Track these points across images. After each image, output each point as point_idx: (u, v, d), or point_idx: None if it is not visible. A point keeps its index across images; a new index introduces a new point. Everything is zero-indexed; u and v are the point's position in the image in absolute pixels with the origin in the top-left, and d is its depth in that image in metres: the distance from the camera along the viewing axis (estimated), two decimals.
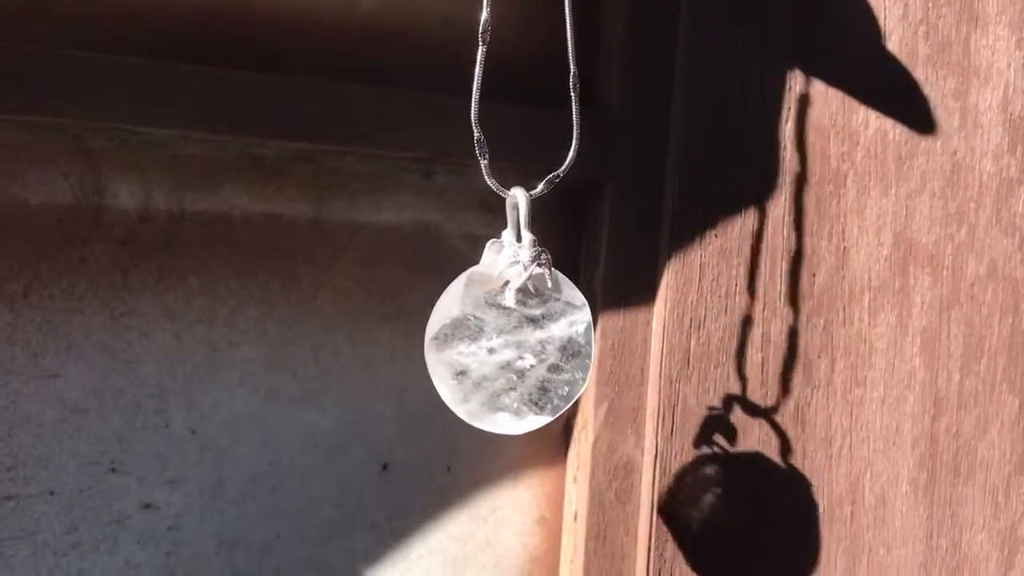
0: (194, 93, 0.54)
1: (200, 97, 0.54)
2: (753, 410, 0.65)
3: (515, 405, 0.48)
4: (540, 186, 0.50)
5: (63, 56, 0.51)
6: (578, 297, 0.49)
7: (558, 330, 0.49)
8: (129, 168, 0.57)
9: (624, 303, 0.63)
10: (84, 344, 0.56)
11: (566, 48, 0.50)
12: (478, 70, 0.48)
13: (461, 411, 0.48)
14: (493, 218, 0.65)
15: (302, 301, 0.61)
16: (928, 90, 0.68)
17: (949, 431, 0.70)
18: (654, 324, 0.64)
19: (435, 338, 0.48)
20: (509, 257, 0.49)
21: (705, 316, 0.64)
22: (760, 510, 0.65)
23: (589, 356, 0.49)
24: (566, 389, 0.48)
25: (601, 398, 0.63)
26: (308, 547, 0.61)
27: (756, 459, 0.65)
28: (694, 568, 0.64)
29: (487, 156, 0.49)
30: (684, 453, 0.64)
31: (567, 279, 0.49)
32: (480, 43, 0.48)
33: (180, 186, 0.58)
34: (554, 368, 0.48)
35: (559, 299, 0.49)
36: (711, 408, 0.64)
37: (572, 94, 0.51)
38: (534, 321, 0.48)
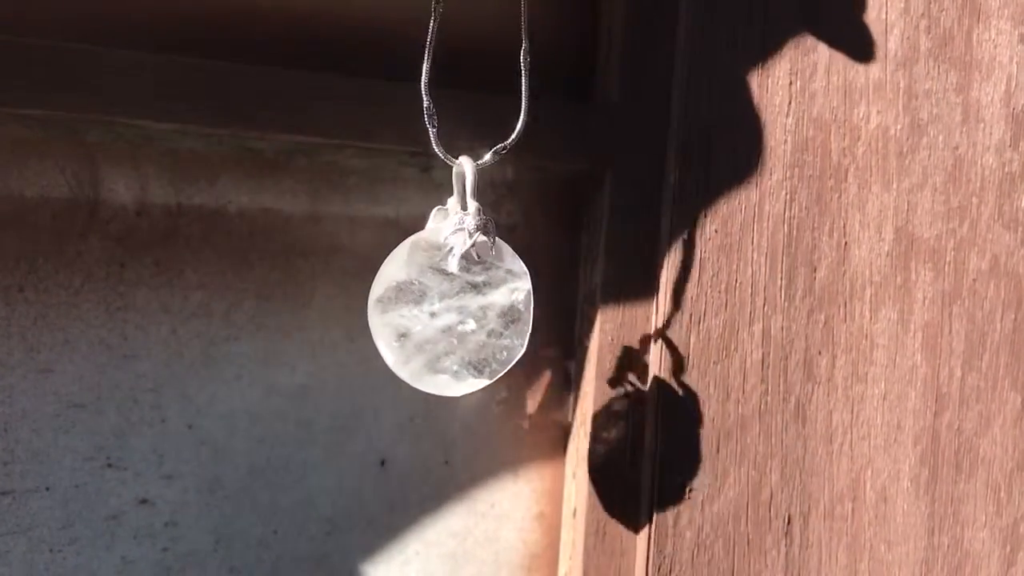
0: (191, 86, 0.54)
1: (197, 90, 0.54)
2: (753, 407, 0.64)
3: (455, 368, 0.50)
4: (487, 156, 0.51)
5: (59, 49, 0.51)
6: (519, 266, 0.51)
7: (499, 297, 0.50)
8: (126, 162, 0.57)
9: (623, 298, 0.63)
10: (80, 338, 0.56)
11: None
12: (430, 38, 0.51)
13: (403, 373, 0.50)
14: (492, 213, 0.65)
15: (299, 296, 0.60)
16: (930, 84, 0.67)
17: (951, 427, 0.69)
18: (653, 319, 0.63)
19: (379, 301, 0.50)
20: (454, 224, 0.50)
21: (705, 311, 0.63)
22: (760, 507, 0.65)
23: (528, 323, 0.51)
24: (504, 354, 0.50)
25: (600, 393, 0.63)
26: (306, 543, 0.61)
27: (754, 457, 0.65)
28: (694, 565, 0.63)
29: (436, 125, 0.51)
30: (684, 448, 0.63)
31: (510, 248, 0.51)
32: (433, 15, 0.50)
33: (177, 180, 0.58)
34: (494, 333, 0.50)
35: (501, 267, 0.51)
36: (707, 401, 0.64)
37: (522, 67, 0.52)
38: (476, 287, 0.50)
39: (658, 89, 0.63)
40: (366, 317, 0.62)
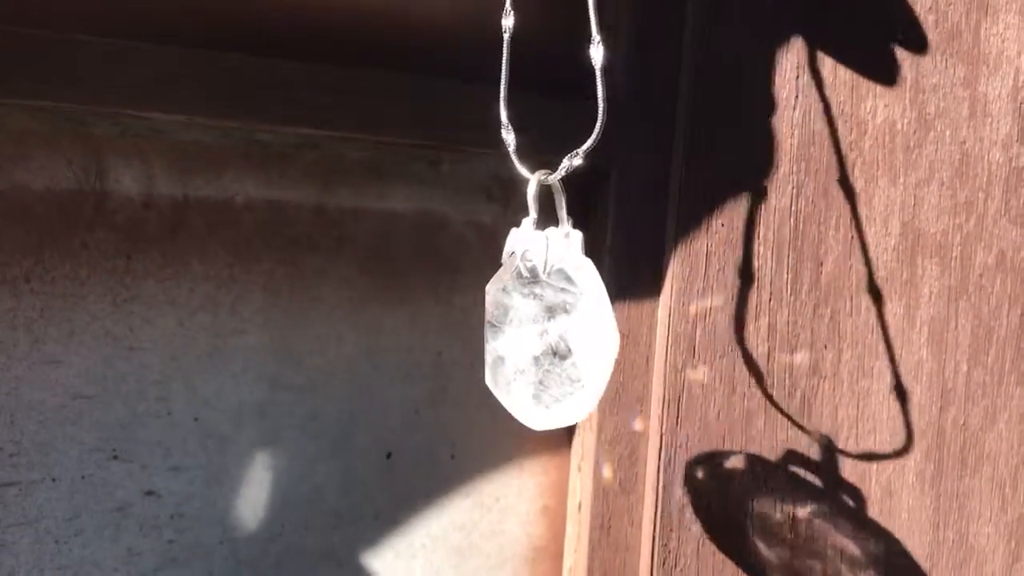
0: (198, 78, 0.54)
1: (204, 83, 0.54)
2: (758, 401, 0.64)
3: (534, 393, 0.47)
4: (563, 165, 0.47)
5: (67, 40, 0.51)
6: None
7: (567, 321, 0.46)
8: (132, 154, 0.57)
9: (630, 292, 0.63)
10: (86, 330, 0.56)
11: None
12: (505, 57, 0.48)
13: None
14: (499, 207, 0.65)
15: (306, 289, 0.60)
16: (937, 79, 0.67)
17: (956, 423, 0.69)
18: (659, 313, 0.63)
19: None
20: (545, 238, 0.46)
21: (711, 306, 0.63)
22: (764, 504, 0.65)
23: (584, 360, 0.46)
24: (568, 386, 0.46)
25: (607, 387, 0.63)
26: (311, 536, 0.61)
27: (760, 450, 0.65)
28: (699, 559, 0.63)
29: (513, 141, 0.48)
30: (689, 443, 0.63)
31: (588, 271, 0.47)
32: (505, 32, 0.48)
33: (184, 172, 0.58)
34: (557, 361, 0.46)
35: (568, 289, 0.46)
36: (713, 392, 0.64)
37: (595, 67, 0.49)
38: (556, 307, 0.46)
39: (665, 85, 0.63)
40: (373, 310, 0.62)
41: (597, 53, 0.48)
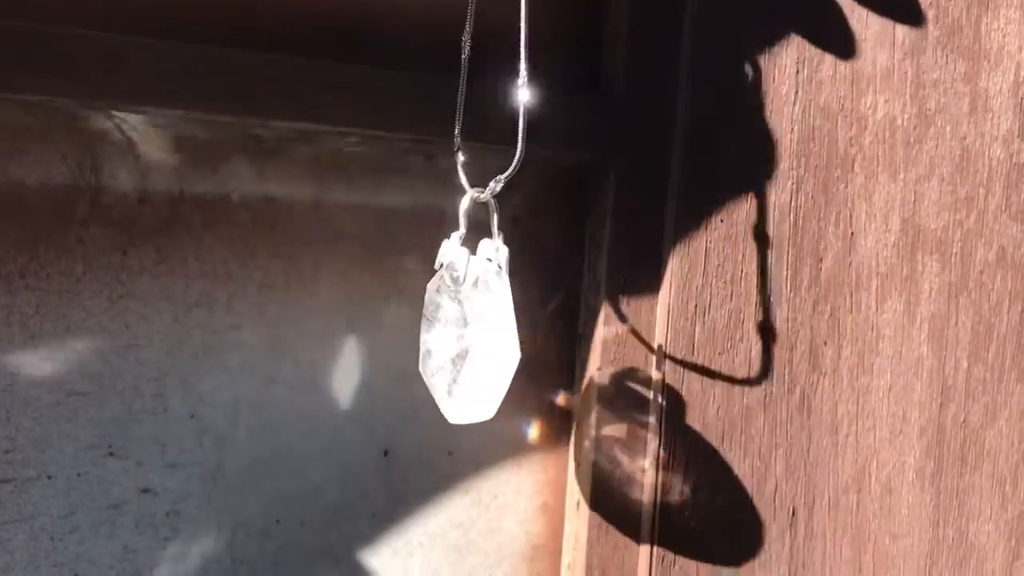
0: (194, 73, 0.53)
1: (200, 77, 0.53)
2: (757, 398, 0.64)
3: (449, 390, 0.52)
4: (490, 186, 0.52)
5: (62, 34, 0.51)
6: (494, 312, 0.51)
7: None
8: (128, 149, 0.56)
9: (628, 289, 0.63)
10: (82, 326, 0.56)
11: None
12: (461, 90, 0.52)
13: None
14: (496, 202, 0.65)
15: (302, 285, 0.60)
16: (938, 74, 0.67)
17: (956, 420, 0.69)
18: (658, 310, 0.63)
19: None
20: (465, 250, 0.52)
21: (710, 302, 0.63)
22: (765, 498, 0.65)
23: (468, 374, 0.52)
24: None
25: (605, 384, 0.63)
26: (308, 533, 0.61)
27: (759, 447, 0.64)
28: (697, 556, 0.63)
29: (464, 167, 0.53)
30: (689, 439, 0.63)
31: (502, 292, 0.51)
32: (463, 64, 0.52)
33: (179, 167, 0.57)
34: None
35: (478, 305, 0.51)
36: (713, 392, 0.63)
37: (520, 88, 0.52)
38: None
39: (664, 79, 0.63)
40: (369, 306, 0.62)
41: (524, 95, 0.52)
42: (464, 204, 0.51)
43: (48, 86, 0.51)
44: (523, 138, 0.51)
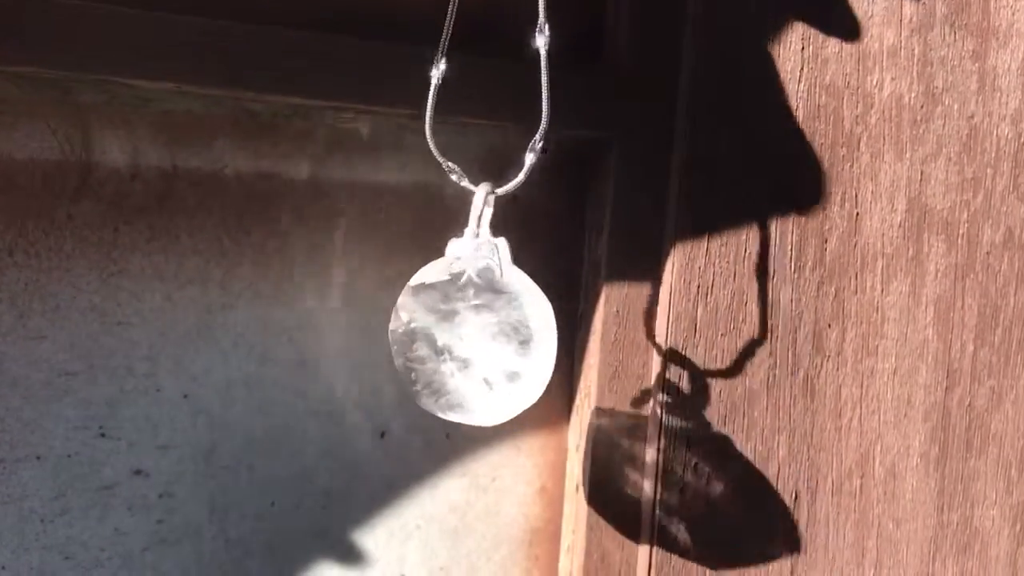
0: (188, 45, 0.52)
1: (194, 49, 0.52)
2: (760, 380, 0.63)
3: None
4: (506, 186, 0.51)
5: (51, 4, 0.49)
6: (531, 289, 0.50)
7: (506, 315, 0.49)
8: (119, 123, 0.55)
9: (629, 268, 0.62)
10: (72, 305, 0.55)
11: None
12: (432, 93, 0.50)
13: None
14: (494, 179, 0.63)
15: (297, 263, 0.59)
16: (945, 51, 0.66)
17: (962, 403, 0.68)
18: (660, 290, 0.62)
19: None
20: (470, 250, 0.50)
21: (713, 283, 0.62)
22: (766, 485, 0.64)
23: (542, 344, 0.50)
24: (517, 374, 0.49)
25: (605, 366, 0.62)
26: (303, 516, 0.60)
27: (761, 431, 0.64)
28: (699, 540, 0.62)
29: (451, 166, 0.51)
30: (690, 422, 0.62)
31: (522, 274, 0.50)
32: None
33: (172, 142, 0.56)
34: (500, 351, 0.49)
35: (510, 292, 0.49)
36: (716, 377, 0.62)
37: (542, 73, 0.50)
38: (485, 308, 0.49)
39: (667, 55, 0.62)
40: (366, 285, 0.61)
41: (542, 40, 0.50)
42: (479, 199, 0.50)
43: (38, 57, 0.50)
44: (547, 108, 0.49)
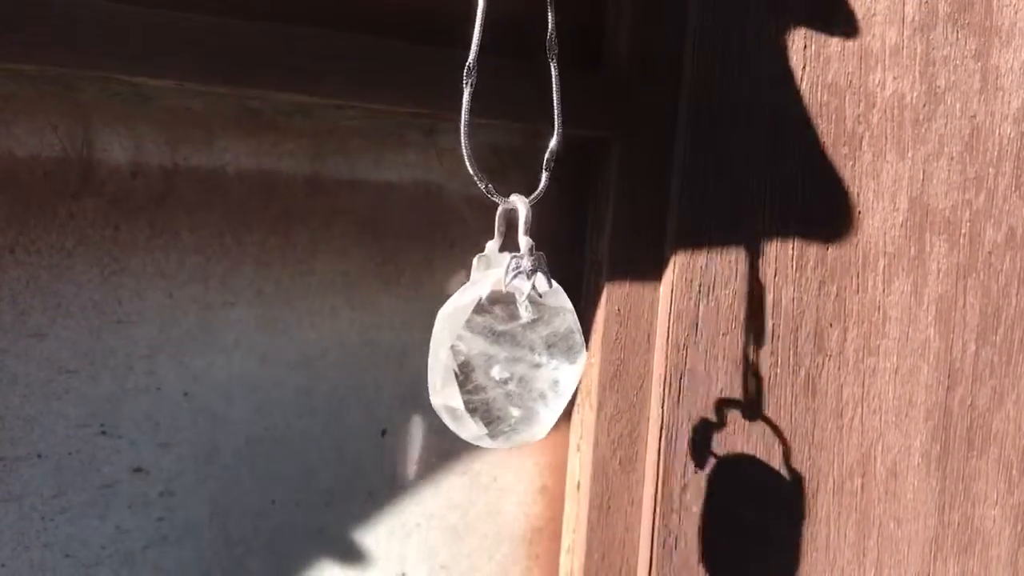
0: (189, 42, 0.52)
1: (195, 46, 0.52)
2: (761, 379, 0.63)
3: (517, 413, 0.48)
4: (541, 186, 0.49)
5: (54, 2, 0.49)
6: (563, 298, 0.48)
7: (548, 327, 0.48)
8: (121, 121, 0.55)
9: (631, 266, 0.62)
10: (73, 302, 0.55)
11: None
12: (465, 106, 0.48)
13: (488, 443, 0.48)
14: (499, 179, 0.63)
15: (299, 261, 0.59)
16: (948, 51, 0.66)
17: (963, 403, 0.68)
18: (662, 289, 0.62)
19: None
20: (511, 268, 0.47)
21: (714, 281, 0.62)
22: (767, 484, 0.64)
23: (577, 341, 0.48)
24: (559, 380, 0.48)
25: (606, 364, 0.62)
26: (304, 514, 0.60)
27: (763, 430, 0.63)
28: (699, 540, 0.62)
29: (477, 168, 0.49)
30: (691, 421, 0.62)
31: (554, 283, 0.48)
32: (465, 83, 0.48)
33: (173, 140, 0.56)
34: (543, 365, 0.48)
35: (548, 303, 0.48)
36: (718, 376, 0.62)
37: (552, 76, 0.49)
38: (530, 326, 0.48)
39: (669, 55, 0.61)
40: (367, 284, 0.61)
41: (553, 58, 0.49)
42: (523, 212, 0.48)
43: (40, 54, 0.50)
44: (559, 116, 0.49)
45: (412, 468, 0.62)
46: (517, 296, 0.46)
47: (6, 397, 0.54)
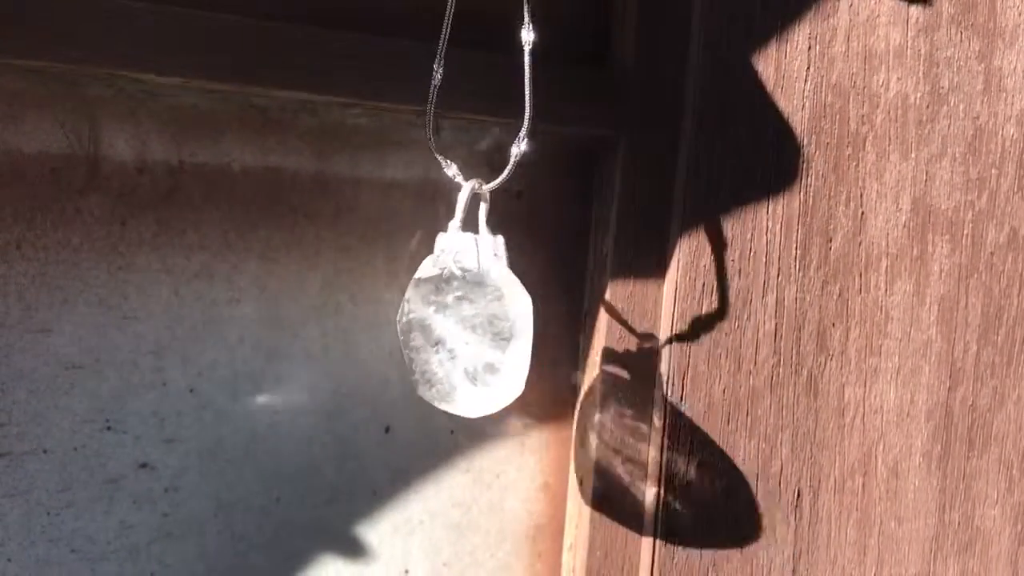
0: (195, 40, 0.52)
1: (201, 44, 0.52)
2: (764, 379, 0.63)
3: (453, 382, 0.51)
4: (495, 181, 0.51)
5: None
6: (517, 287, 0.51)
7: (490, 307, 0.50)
8: (127, 117, 0.55)
9: (635, 265, 0.62)
10: (79, 298, 0.55)
11: None
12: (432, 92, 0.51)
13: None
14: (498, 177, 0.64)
15: (304, 258, 0.59)
16: (951, 52, 0.66)
17: (964, 403, 0.68)
18: (665, 288, 0.62)
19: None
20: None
21: (717, 280, 0.62)
22: (770, 480, 0.64)
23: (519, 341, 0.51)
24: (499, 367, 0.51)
25: (609, 364, 0.62)
26: (308, 510, 0.60)
27: (764, 429, 0.64)
28: (701, 538, 0.63)
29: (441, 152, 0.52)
30: (693, 420, 0.62)
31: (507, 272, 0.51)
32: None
33: (179, 137, 0.56)
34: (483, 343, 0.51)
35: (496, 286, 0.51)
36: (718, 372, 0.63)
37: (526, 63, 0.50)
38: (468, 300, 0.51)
39: (674, 53, 0.62)
40: (372, 281, 0.61)
41: (528, 35, 0.51)
42: (464, 195, 0.51)
43: (46, 51, 0.50)
44: (530, 105, 0.50)
45: (415, 465, 0.62)
46: (449, 270, 0.50)
47: (12, 392, 0.54)
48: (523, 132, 0.51)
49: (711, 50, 0.61)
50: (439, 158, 0.52)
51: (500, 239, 0.51)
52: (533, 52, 0.50)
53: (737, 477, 0.63)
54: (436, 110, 0.55)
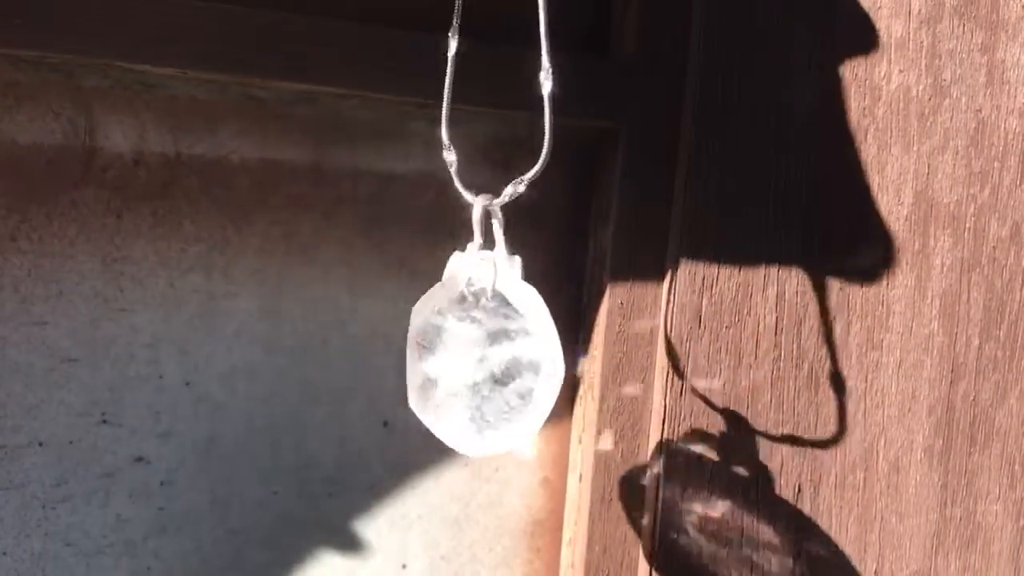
0: (192, 29, 0.52)
1: (198, 35, 0.52)
2: (765, 373, 0.63)
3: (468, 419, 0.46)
4: (506, 191, 0.47)
5: None
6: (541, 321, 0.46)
7: (517, 351, 0.46)
8: (123, 109, 0.55)
9: (634, 259, 0.61)
10: (75, 291, 0.54)
11: None
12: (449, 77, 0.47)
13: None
14: (502, 171, 0.63)
15: (301, 251, 0.59)
16: (954, 44, 0.65)
17: (966, 398, 0.68)
18: (665, 282, 0.62)
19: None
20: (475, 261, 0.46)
21: (718, 274, 0.62)
22: (771, 475, 0.64)
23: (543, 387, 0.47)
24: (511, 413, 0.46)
25: (609, 357, 0.61)
26: (305, 505, 0.60)
27: (765, 423, 0.63)
28: (701, 533, 0.62)
29: (455, 163, 0.48)
30: (694, 415, 0.62)
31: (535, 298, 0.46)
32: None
33: (176, 129, 0.56)
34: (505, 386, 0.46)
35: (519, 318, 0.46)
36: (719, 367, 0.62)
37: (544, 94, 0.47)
38: (501, 335, 0.46)
39: (676, 43, 0.61)
40: (370, 274, 0.61)
41: (547, 83, 0.47)
42: (476, 213, 0.46)
43: (42, 41, 0.49)
44: (549, 137, 0.47)
45: (414, 459, 0.62)
46: (466, 290, 0.46)
47: (8, 385, 0.54)
48: (530, 176, 0.47)
49: (712, 41, 0.60)
50: (449, 162, 0.48)
51: (517, 259, 0.46)
52: (552, 98, 0.47)
53: (737, 472, 0.63)
54: (430, 102, 0.55)
